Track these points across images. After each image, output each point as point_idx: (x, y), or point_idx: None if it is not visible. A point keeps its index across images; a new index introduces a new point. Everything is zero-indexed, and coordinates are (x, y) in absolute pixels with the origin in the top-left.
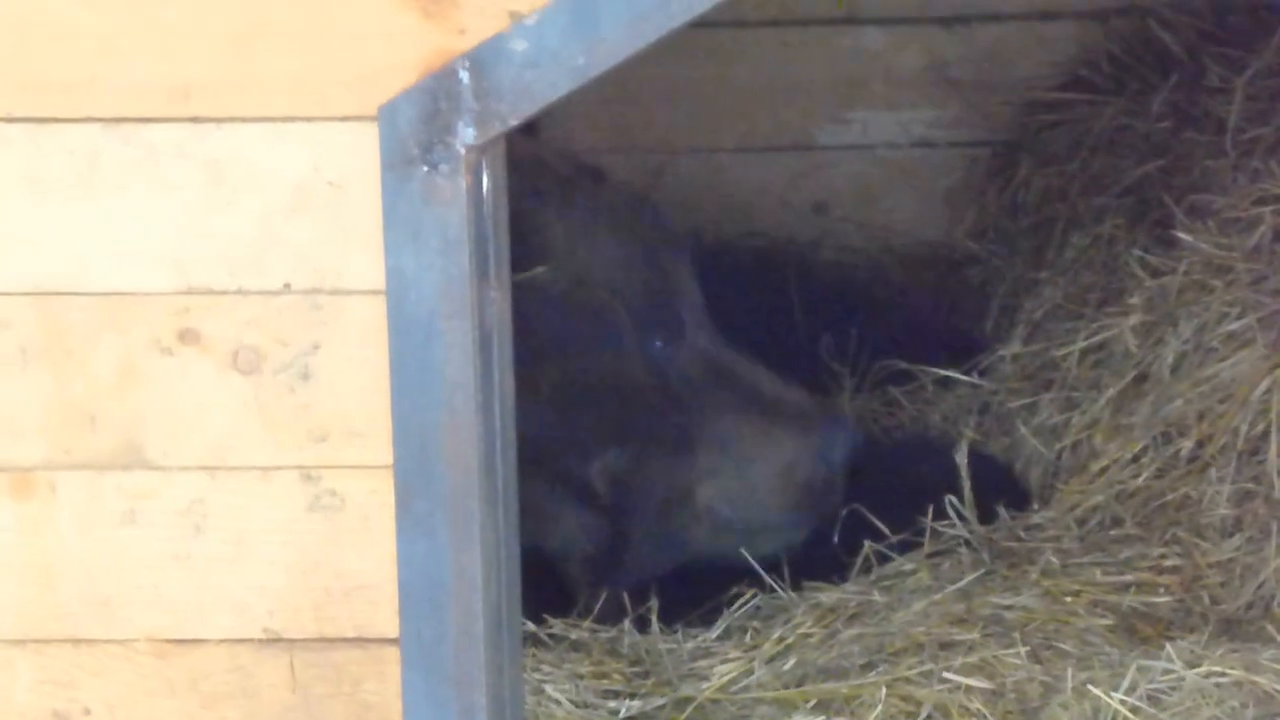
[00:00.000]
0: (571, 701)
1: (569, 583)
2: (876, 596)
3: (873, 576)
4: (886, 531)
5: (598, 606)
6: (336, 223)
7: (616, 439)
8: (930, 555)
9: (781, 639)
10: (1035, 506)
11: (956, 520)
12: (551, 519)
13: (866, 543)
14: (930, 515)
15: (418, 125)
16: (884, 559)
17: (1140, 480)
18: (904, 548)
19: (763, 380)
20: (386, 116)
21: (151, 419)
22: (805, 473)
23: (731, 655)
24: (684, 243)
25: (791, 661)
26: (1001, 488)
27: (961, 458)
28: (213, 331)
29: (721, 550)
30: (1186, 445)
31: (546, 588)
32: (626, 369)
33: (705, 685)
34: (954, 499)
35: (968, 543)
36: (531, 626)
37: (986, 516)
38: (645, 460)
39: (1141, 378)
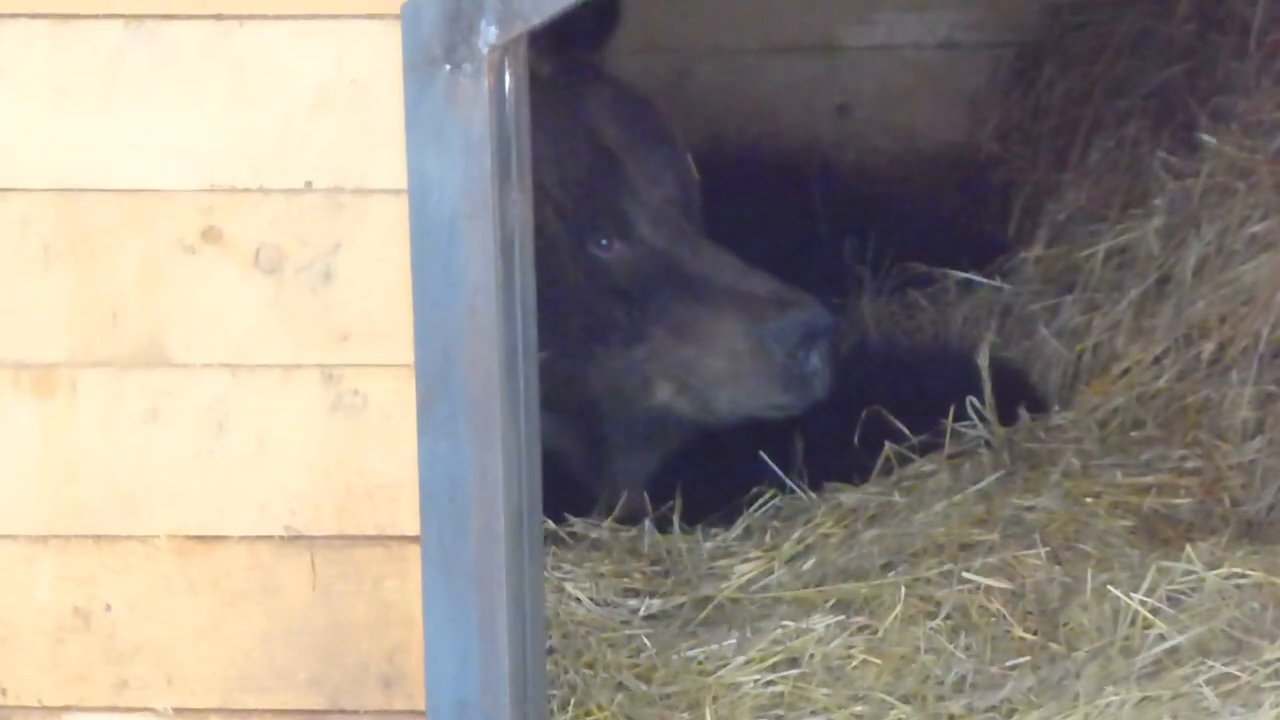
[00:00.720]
0: (592, 599)
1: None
2: (897, 498)
3: (893, 478)
4: (907, 433)
5: (618, 506)
6: (359, 122)
7: (553, 343)
8: (951, 457)
9: (801, 539)
10: (1056, 408)
11: (977, 422)
12: None
13: (887, 444)
14: (951, 417)
15: (440, 24)
16: (905, 460)
17: (1161, 382)
18: (925, 449)
19: (724, 272)
20: (409, 15)
21: (174, 317)
22: (755, 358)
23: (751, 555)
24: (666, 133)
25: (811, 562)
26: (1019, 392)
27: (983, 360)
28: (235, 230)
29: (701, 437)
30: (1208, 347)
31: (566, 489)
32: (560, 272)
33: (725, 585)
34: (975, 400)
35: (988, 444)
36: (552, 525)
37: (1007, 419)
38: (592, 360)
39: (1164, 280)
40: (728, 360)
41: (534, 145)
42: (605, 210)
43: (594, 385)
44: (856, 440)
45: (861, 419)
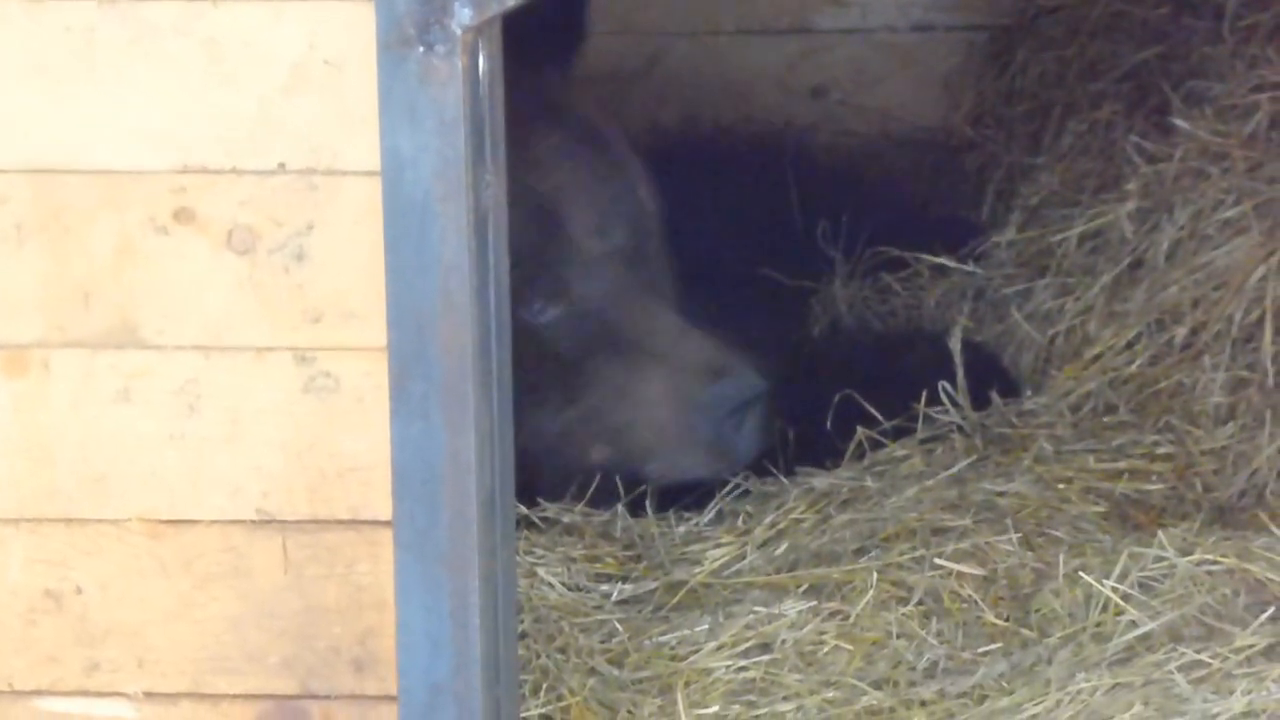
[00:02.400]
0: (564, 584)
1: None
2: (869, 482)
3: (866, 462)
4: (880, 417)
5: (590, 490)
6: (332, 103)
7: None
8: (923, 441)
9: (774, 524)
10: (1028, 393)
11: (950, 407)
12: None
13: (859, 428)
14: (923, 402)
15: (414, 5)
16: (877, 445)
17: (1134, 367)
18: (897, 434)
19: (658, 337)
20: None
21: (146, 298)
22: (686, 425)
23: (724, 540)
24: (616, 176)
25: (783, 546)
26: (991, 377)
27: (955, 344)
28: (208, 211)
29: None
30: (1181, 332)
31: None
32: None
33: (697, 570)
34: (947, 385)
35: (960, 429)
36: (524, 510)
37: (979, 404)
38: (528, 420)
39: (1137, 264)
40: (656, 430)
41: None
42: (539, 273)
43: (531, 444)
44: (829, 424)
45: (834, 403)
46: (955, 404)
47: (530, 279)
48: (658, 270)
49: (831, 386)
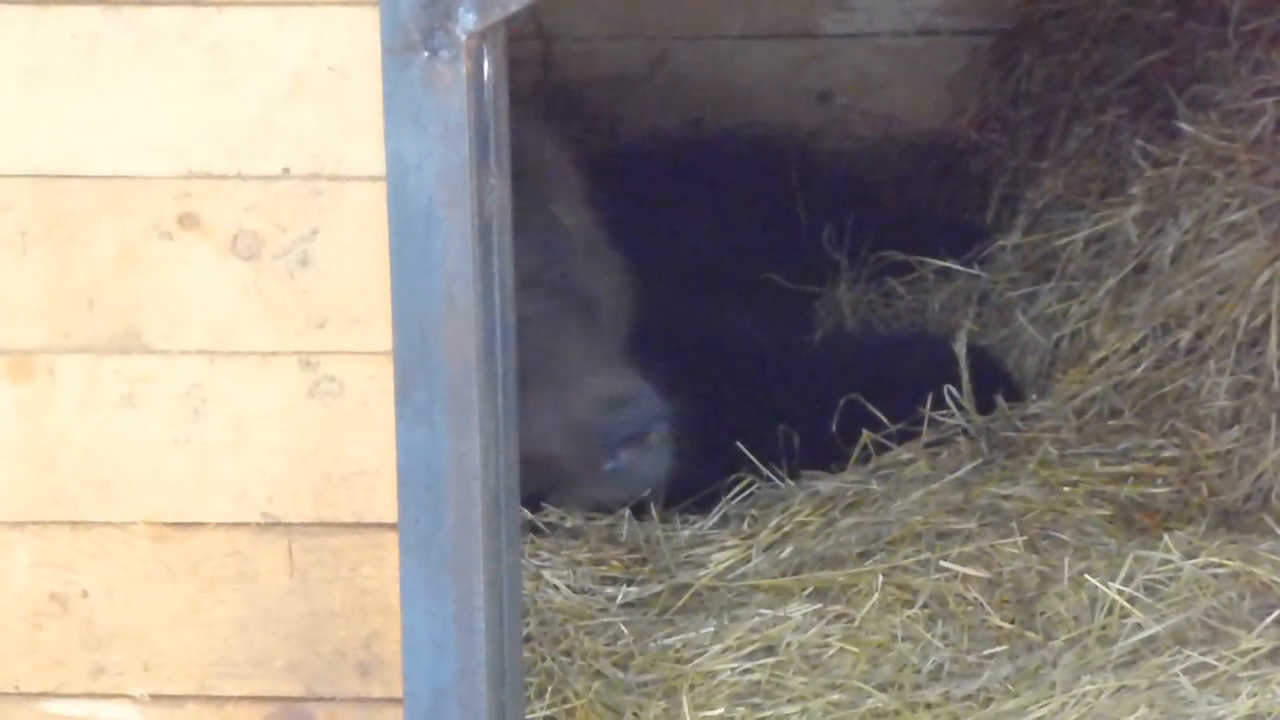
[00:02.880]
0: (570, 587)
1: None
2: (874, 486)
3: (871, 466)
4: (885, 421)
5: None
6: (336, 108)
7: None
8: (928, 445)
9: (779, 527)
10: (1034, 397)
11: (955, 410)
12: None
13: (865, 432)
14: (928, 406)
15: (418, 10)
16: (882, 449)
17: (1139, 371)
18: (902, 438)
19: (556, 365)
20: (388, 1)
21: (151, 303)
22: (583, 461)
23: (729, 543)
24: (535, 196)
25: (789, 550)
26: (994, 381)
27: (960, 348)
28: (212, 216)
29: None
30: (1186, 336)
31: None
32: None
33: (702, 573)
34: (952, 389)
35: (965, 433)
36: (529, 515)
37: (984, 408)
38: None
39: (1141, 268)
40: (553, 461)
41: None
42: None
43: None
44: (834, 428)
45: (839, 407)
46: (960, 408)
47: None
48: (584, 286)
49: (835, 390)
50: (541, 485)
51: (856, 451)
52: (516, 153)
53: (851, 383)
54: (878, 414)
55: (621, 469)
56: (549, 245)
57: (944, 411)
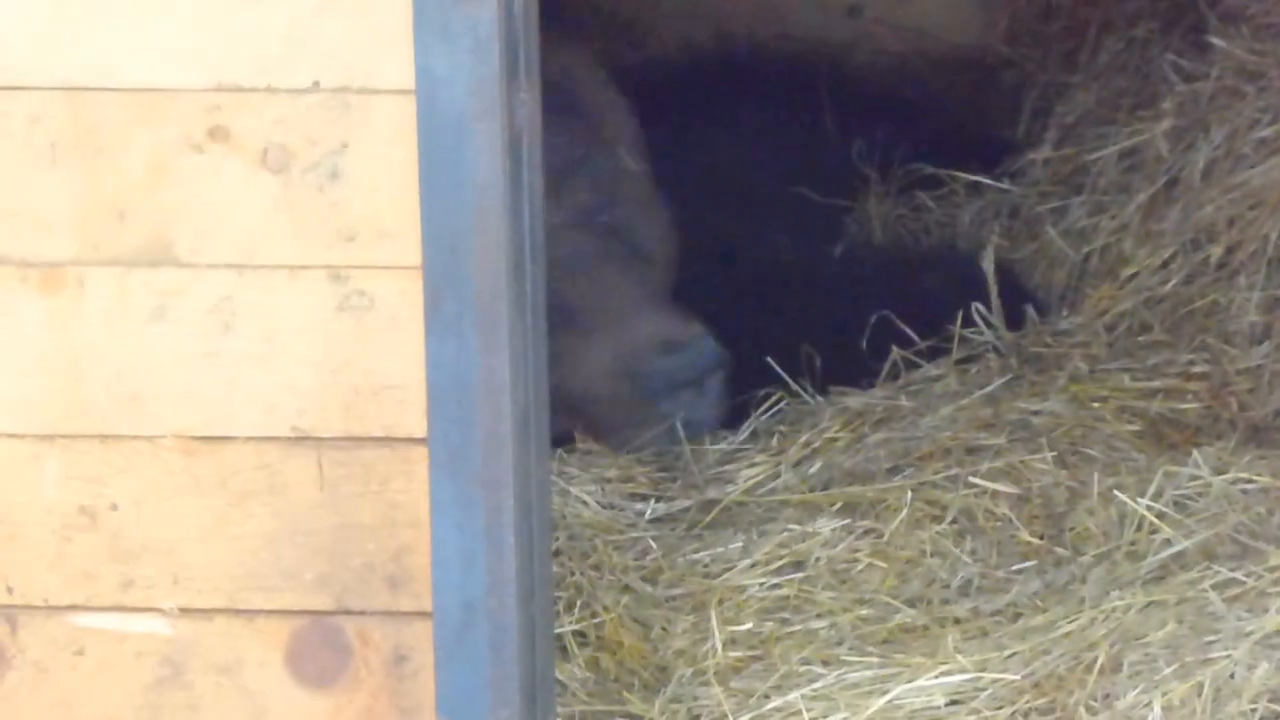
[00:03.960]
0: (598, 502)
1: None
2: (903, 401)
3: (900, 382)
4: (915, 337)
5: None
6: (366, 21)
7: None
8: (958, 361)
9: (808, 443)
10: (1064, 313)
11: (983, 327)
12: None
13: (894, 348)
14: (959, 322)
15: None
16: (911, 365)
17: (1169, 286)
18: (932, 354)
19: (611, 305)
20: None
21: (180, 216)
22: (637, 403)
23: (757, 459)
24: (584, 135)
25: (817, 465)
26: (1016, 296)
27: (988, 264)
28: (242, 129)
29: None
30: (1216, 252)
31: None
32: None
33: (730, 488)
34: (980, 306)
35: (995, 349)
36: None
37: (1012, 323)
38: None
39: (1172, 183)
40: (607, 404)
41: None
42: None
43: None
44: (864, 345)
45: (869, 324)
46: (989, 324)
47: None
48: (640, 234)
49: (861, 306)
50: (586, 425)
51: (886, 368)
52: (581, 93)
53: (877, 298)
54: (908, 330)
55: (676, 412)
56: (610, 186)
57: (973, 329)
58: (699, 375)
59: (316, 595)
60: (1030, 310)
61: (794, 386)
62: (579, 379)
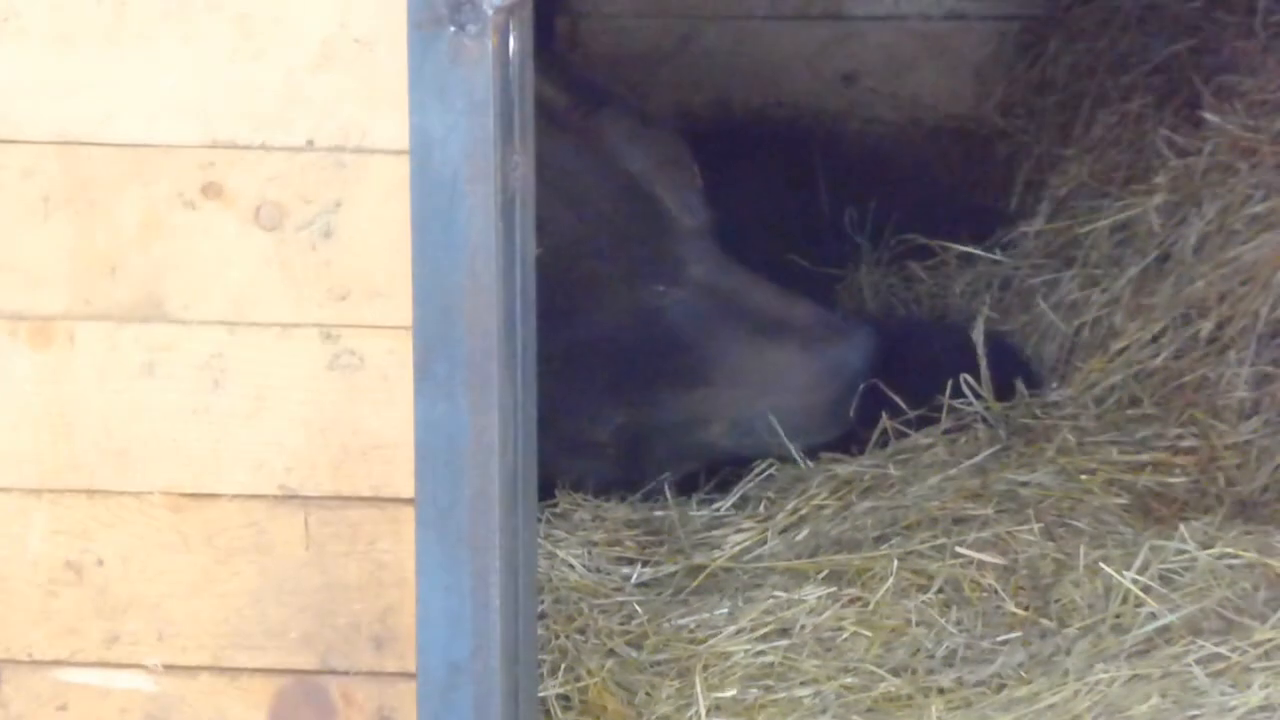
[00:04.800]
0: (585, 566)
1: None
2: (892, 470)
3: (889, 450)
4: (904, 407)
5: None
6: (362, 81)
7: (622, 400)
8: (947, 431)
9: (795, 510)
10: (1053, 384)
11: (972, 398)
12: (563, 471)
13: (884, 415)
14: (948, 392)
15: None
16: (900, 434)
17: (1159, 360)
18: (921, 423)
19: (769, 300)
20: None
21: (172, 272)
22: (817, 392)
23: (745, 525)
24: (685, 157)
25: (805, 532)
26: (1012, 368)
27: (978, 335)
28: (236, 186)
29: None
30: (1206, 326)
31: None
32: (622, 326)
33: (718, 554)
34: (969, 377)
35: (984, 419)
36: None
37: (1003, 395)
38: (655, 410)
39: (1164, 257)
40: (792, 395)
41: (564, 184)
42: (652, 254)
43: (645, 429)
44: (853, 413)
45: (859, 391)
46: (978, 395)
47: (643, 261)
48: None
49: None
50: (767, 423)
51: (875, 436)
52: (655, 121)
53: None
54: (897, 400)
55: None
56: (705, 202)
57: (963, 399)
58: (865, 362)
59: (301, 654)
60: (1019, 384)
61: (791, 451)
62: (756, 377)
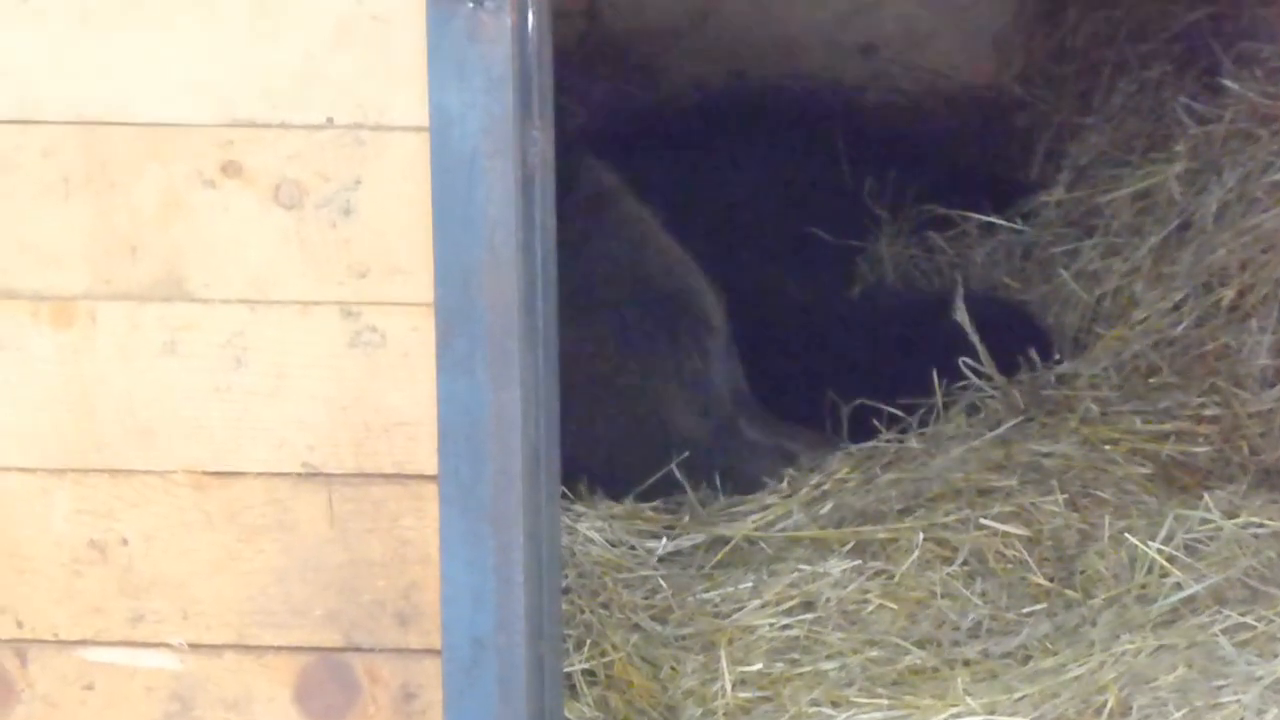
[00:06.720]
0: (608, 540)
1: None
2: (914, 443)
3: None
4: (923, 395)
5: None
6: (380, 58)
7: None
8: (968, 404)
9: (819, 484)
10: (1056, 356)
11: (974, 379)
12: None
13: (902, 402)
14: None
15: None
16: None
17: (1180, 329)
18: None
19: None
20: None
21: (193, 251)
22: None
23: (768, 500)
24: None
25: (829, 505)
26: (1026, 336)
27: (961, 315)
28: (255, 164)
29: None
30: (1227, 294)
31: None
32: None
33: (741, 527)
34: (969, 360)
35: (1003, 393)
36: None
37: (1010, 367)
38: None
39: (1184, 226)
40: None
41: (621, 260)
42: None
43: None
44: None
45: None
46: (980, 376)
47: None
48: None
49: (874, 348)
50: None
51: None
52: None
53: (897, 340)
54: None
55: None
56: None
57: (981, 378)
58: None
59: (325, 631)
60: (1033, 353)
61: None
62: None
